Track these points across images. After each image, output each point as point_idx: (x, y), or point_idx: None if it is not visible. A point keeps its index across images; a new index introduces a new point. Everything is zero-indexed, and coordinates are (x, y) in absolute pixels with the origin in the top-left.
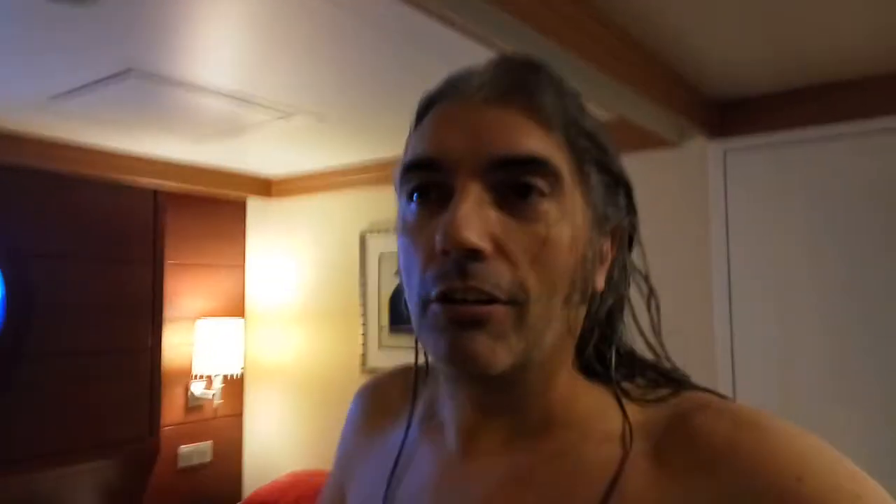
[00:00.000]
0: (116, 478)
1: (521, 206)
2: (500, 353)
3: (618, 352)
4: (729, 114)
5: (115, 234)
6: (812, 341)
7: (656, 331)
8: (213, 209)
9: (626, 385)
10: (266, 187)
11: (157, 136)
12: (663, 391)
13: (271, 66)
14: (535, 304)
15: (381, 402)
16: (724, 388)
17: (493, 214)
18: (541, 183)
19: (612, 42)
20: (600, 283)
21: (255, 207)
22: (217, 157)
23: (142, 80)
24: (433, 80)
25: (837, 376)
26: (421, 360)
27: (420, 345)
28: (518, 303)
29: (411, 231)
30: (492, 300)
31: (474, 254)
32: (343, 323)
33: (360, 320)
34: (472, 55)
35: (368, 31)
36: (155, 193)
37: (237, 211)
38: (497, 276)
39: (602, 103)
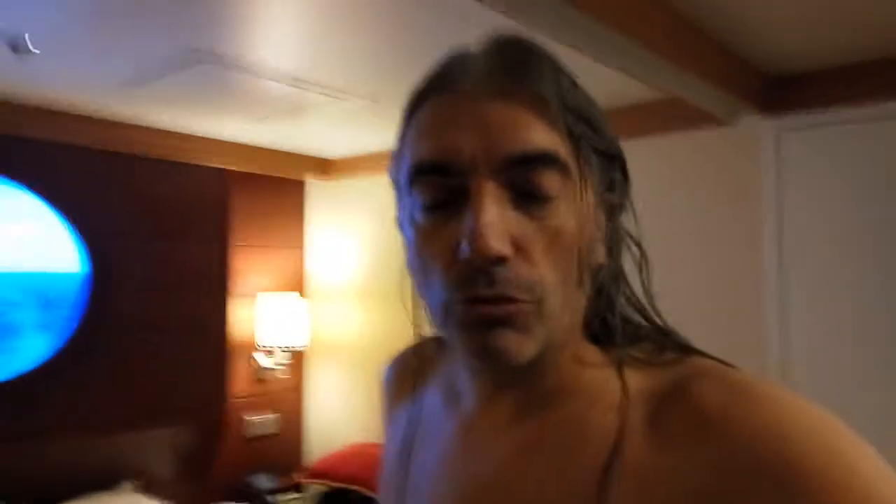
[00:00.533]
0: (188, 444)
1: (535, 203)
2: (527, 345)
3: (622, 317)
4: (783, 90)
5: (185, 212)
6: (871, 326)
7: (647, 293)
8: (274, 189)
9: (632, 350)
10: (324, 168)
11: (223, 117)
12: (669, 355)
13: (329, 49)
14: (553, 294)
15: (405, 373)
16: (775, 374)
17: (510, 215)
18: (553, 180)
19: (659, 16)
20: (601, 256)
21: (314, 187)
22: (278, 138)
23: (209, 65)
24: None
25: (893, 359)
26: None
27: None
28: (538, 298)
29: (425, 233)
30: (514, 299)
31: (498, 260)
32: (398, 301)
33: (414, 299)
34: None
35: (422, 12)
36: (222, 172)
37: (297, 191)
38: (518, 276)
39: (649, 81)
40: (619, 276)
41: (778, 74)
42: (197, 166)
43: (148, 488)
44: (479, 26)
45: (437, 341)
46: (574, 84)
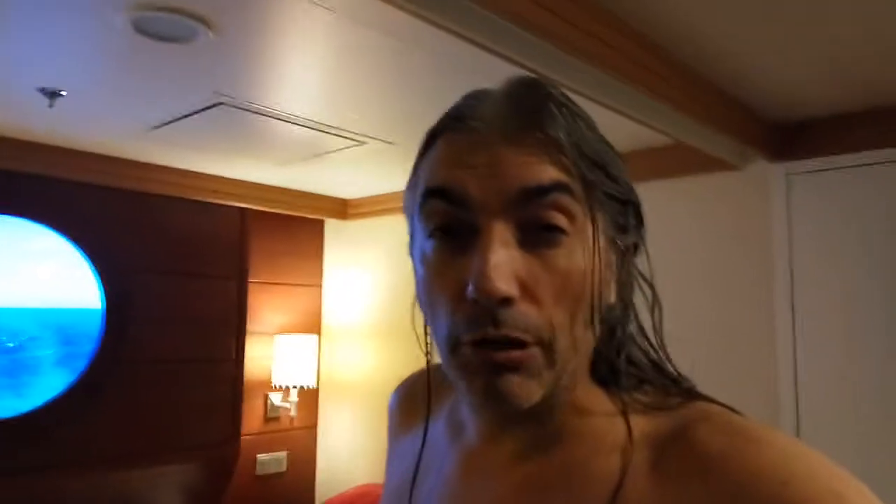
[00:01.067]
0: (199, 480)
1: (543, 244)
2: (533, 390)
3: (628, 359)
4: (791, 136)
5: (204, 250)
6: (881, 372)
7: (658, 335)
8: (293, 229)
9: (636, 394)
10: (342, 209)
11: (244, 160)
12: (673, 401)
13: (348, 97)
14: (561, 337)
15: (411, 400)
16: (788, 419)
17: (518, 255)
18: (561, 219)
19: (666, 69)
20: (612, 298)
21: (332, 228)
22: (297, 180)
23: (231, 110)
24: None
25: None
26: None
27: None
28: (546, 342)
29: (433, 268)
30: (521, 343)
31: (504, 301)
32: (411, 340)
33: (429, 339)
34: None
35: (432, 62)
36: (241, 212)
37: (315, 231)
38: (526, 318)
39: (660, 129)
40: (627, 317)
41: (784, 121)
42: (216, 205)
43: None
44: (492, 73)
45: (430, 378)
46: (591, 129)
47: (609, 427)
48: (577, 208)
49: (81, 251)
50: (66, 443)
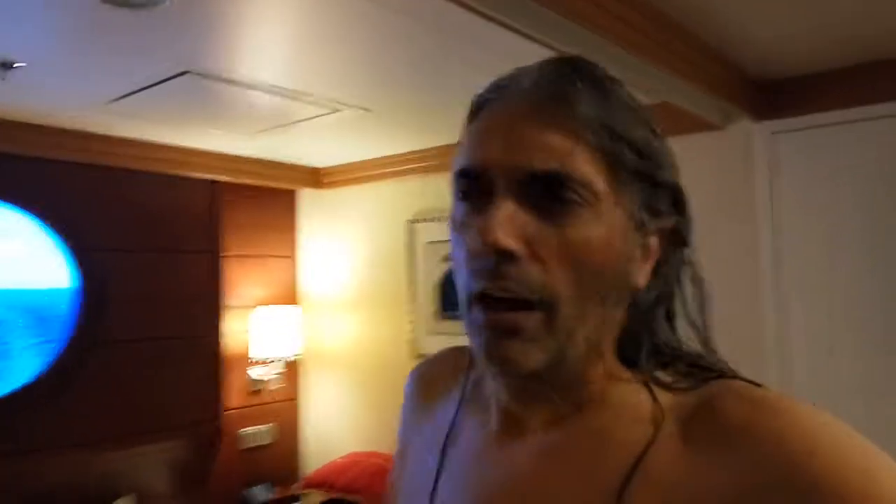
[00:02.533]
0: (184, 457)
1: (556, 211)
2: (532, 355)
3: (657, 343)
4: (775, 95)
5: (176, 225)
6: (863, 327)
7: (701, 325)
8: (265, 201)
9: (658, 373)
10: (316, 178)
11: (213, 131)
12: (695, 380)
13: (320, 63)
14: (566, 304)
15: (432, 381)
16: (773, 377)
17: (526, 218)
18: (571, 194)
19: (649, 25)
20: (641, 280)
21: (306, 198)
22: (269, 150)
23: (198, 79)
24: (474, 70)
25: (889, 364)
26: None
27: None
28: (548, 304)
29: (458, 228)
30: (524, 301)
31: (507, 255)
32: (393, 309)
33: (409, 307)
34: (511, 48)
35: (411, 26)
36: (212, 184)
37: (288, 202)
38: (528, 277)
39: (642, 88)
40: (660, 303)
41: (769, 79)
42: (187, 178)
43: (147, 503)
44: (470, 40)
45: (461, 351)
46: (628, 109)
47: (632, 399)
48: (598, 181)
49: (50, 230)
50: (45, 427)
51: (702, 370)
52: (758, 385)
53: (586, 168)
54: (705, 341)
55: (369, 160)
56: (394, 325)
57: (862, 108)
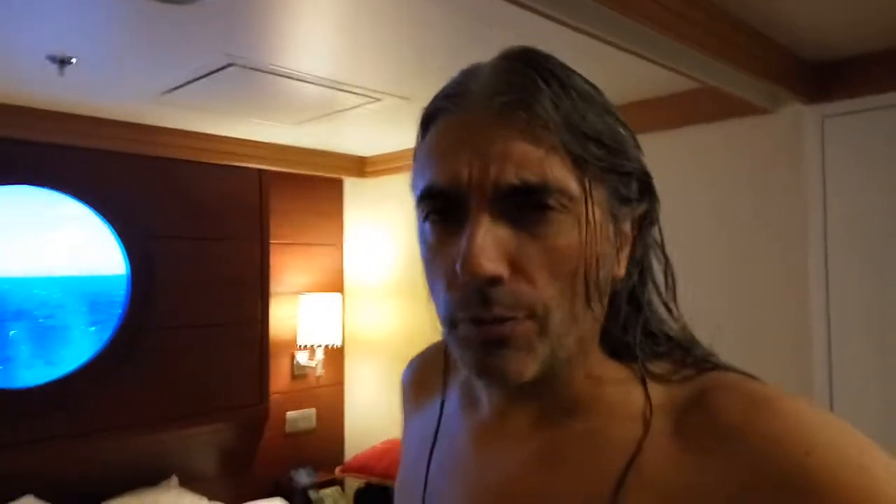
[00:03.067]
0: (230, 440)
1: (533, 222)
2: (527, 364)
3: (645, 331)
4: (826, 77)
5: (225, 213)
6: None
7: (670, 300)
8: (312, 189)
9: (651, 365)
10: (360, 167)
11: (259, 121)
12: (688, 372)
13: (361, 52)
14: (556, 313)
15: (425, 375)
16: (819, 367)
17: (505, 235)
18: (551, 201)
19: (693, 6)
20: (621, 269)
21: (351, 186)
22: (314, 139)
23: (242, 71)
24: None
25: None
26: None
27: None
28: (538, 316)
29: (431, 250)
30: (518, 315)
31: (493, 281)
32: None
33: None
34: (548, 33)
35: (447, 15)
36: (260, 173)
37: (335, 190)
38: (517, 296)
39: (689, 73)
40: (641, 289)
41: (820, 60)
42: (235, 167)
43: (191, 484)
44: (508, 26)
45: (447, 354)
46: (586, 99)
47: (624, 397)
48: (570, 185)
49: (104, 218)
50: (97, 408)
51: (693, 360)
52: (753, 377)
53: (560, 173)
54: (677, 321)
55: (411, 149)
56: (433, 314)
57: None
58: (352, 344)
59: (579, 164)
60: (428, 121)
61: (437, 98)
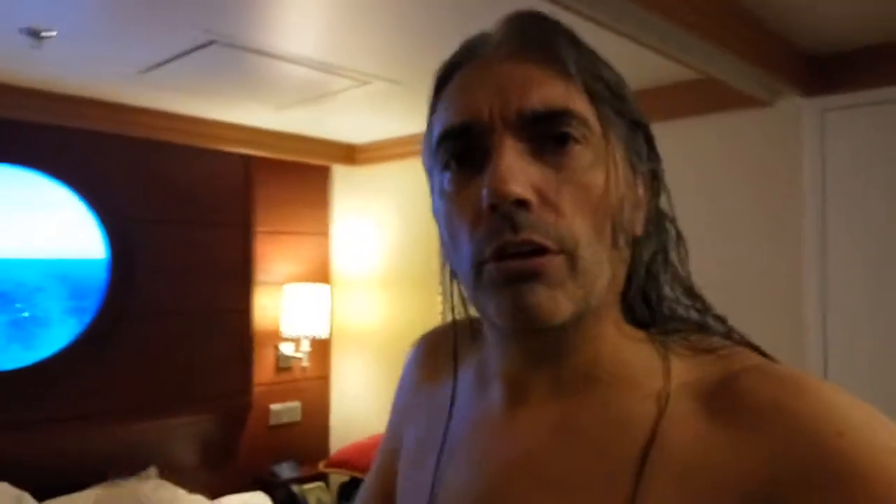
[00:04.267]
0: (212, 431)
1: (557, 154)
2: (561, 302)
3: (660, 297)
4: (825, 70)
5: (208, 199)
6: None
7: (683, 274)
8: (299, 176)
9: (671, 338)
10: (350, 154)
11: (244, 103)
12: (713, 343)
13: (350, 33)
14: (586, 248)
15: (436, 354)
16: (814, 363)
17: (532, 167)
18: (573, 131)
19: None
20: (639, 227)
21: (340, 174)
22: (301, 124)
23: (225, 49)
24: None
25: None
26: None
27: (469, 306)
28: (569, 250)
29: (451, 198)
30: (544, 250)
31: (522, 204)
32: (424, 290)
33: (440, 288)
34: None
35: None
36: (245, 159)
37: (322, 178)
38: (546, 225)
39: (686, 61)
40: (659, 251)
41: (820, 53)
42: (221, 152)
43: (171, 475)
44: (505, 9)
45: (471, 324)
46: (593, 53)
47: (645, 371)
48: (590, 120)
49: (83, 200)
50: (75, 395)
51: (716, 333)
52: (771, 358)
53: (581, 106)
54: (690, 291)
55: (403, 137)
56: (424, 306)
57: None
58: (339, 336)
59: (596, 101)
60: (441, 82)
61: (449, 58)
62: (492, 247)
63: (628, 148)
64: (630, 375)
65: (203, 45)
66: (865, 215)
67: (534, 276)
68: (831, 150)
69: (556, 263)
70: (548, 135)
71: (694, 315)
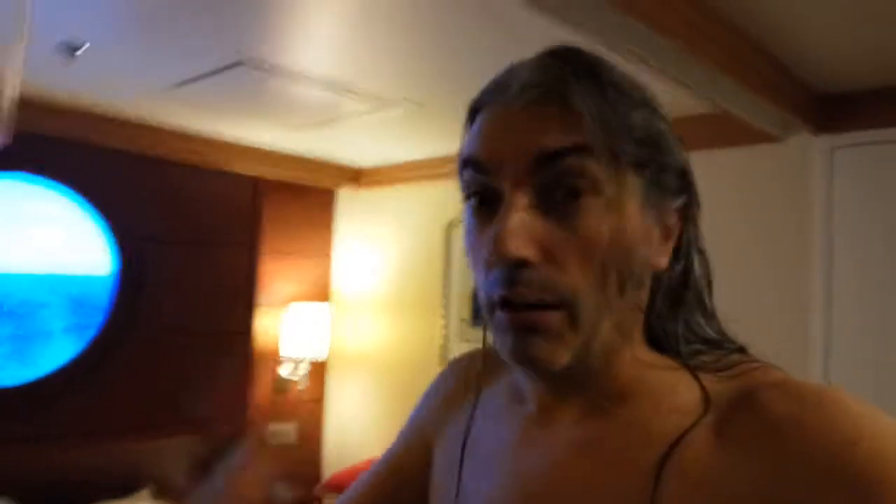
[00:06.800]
0: (208, 451)
1: (565, 206)
2: (558, 353)
3: (686, 326)
4: (837, 108)
5: (216, 219)
6: None
7: (708, 300)
8: (304, 198)
9: (692, 360)
10: (355, 178)
11: (259, 123)
12: (730, 367)
13: (373, 55)
14: (586, 300)
15: (465, 378)
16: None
17: (539, 222)
18: (580, 183)
19: (715, 31)
20: (663, 261)
21: (344, 197)
22: (311, 146)
23: (252, 70)
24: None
25: None
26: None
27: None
28: (568, 303)
29: (472, 234)
30: (545, 305)
31: (521, 262)
32: (425, 314)
33: (442, 312)
34: (565, 38)
35: (467, 19)
36: (255, 181)
37: (327, 200)
38: (545, 281)
39: (702, 95)
40: (683, 283)
41: (831, 92)
42: (230, 173)
43: (167, 496)
44: (524, 33)
45: (486, 353)
46: (623, 94)
47: (669, 390)
48: (600, 171)
49: (95, 216)
50: (73, 412)
51: (735, 357)
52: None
53: (593, 156)
54: (711, 316)
55: (409, 162)
56: (424, 331)
57: None
58: (335, 359)
59: (611, 154)
60: (474, 112)
61: (482, 92)
62: (498, 294)
63: (652, 189)
64: (653, 392)
65: (231, 66)
66: (872, 251)
67: (533, 330)
68: (839, 187)
69: (555, 318)
70: (556, 186)
71: (715, 341)
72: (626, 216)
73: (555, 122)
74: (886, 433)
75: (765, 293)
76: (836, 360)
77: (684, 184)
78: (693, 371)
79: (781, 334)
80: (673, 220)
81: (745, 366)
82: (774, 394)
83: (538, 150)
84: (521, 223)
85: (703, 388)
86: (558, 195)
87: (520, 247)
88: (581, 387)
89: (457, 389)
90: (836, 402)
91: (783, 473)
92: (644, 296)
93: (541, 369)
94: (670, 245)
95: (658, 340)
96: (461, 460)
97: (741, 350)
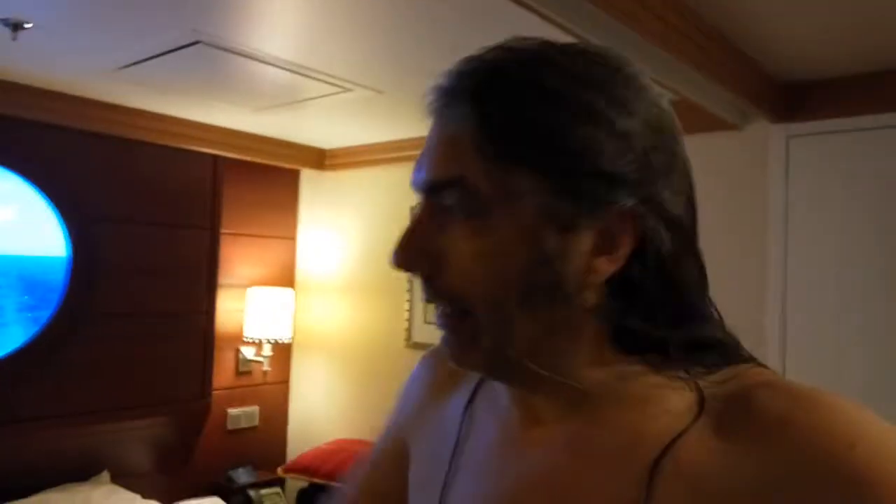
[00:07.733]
0: (168, 435)
1: (453, 221)
2: (469, 354)
3: (678, 329)
4: (795, 97)
5: (175, 199)
6: (871, 335)
7: (696, 304)
8: (267, 179)
9: (689, 363)
10: (319, 159)
11: (219, 104)
12: (722, 368)
13: (333, 39)
14: (483, 309)
15: (442, 372)
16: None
17: (436, 237)
18: (459, 207)
19: (674, 19)
20: (607, 267)
21: (308, 179)
22: (274, 128)
23: (209, 50)
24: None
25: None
26: None
27: None
28: (466, 312)
29: None
30: (452, 311)
31: (420, 274)
32: (390, 297)
33: (407, 295)
34: (531, 26)
35: (431, 3)
36: (214, 160)
37: (290, 182)
38: (440, 289)
39: (662, 82)
40: (662, 286)
41: (790, 81)
42: (190, 152)
43: (124, 480)
44: (491, 17)
45: None
46: (548, 99)
47: (658, 393)
48: (489, 188)
49: (45, 196)
50: (27, 397)
51: (726, 357)
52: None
53: (477, 172)
54: (702, 318)
55: (375, 144)
56: (389, 313)
57: (882, 116)
58: (300, 340)
59: (506, 165)
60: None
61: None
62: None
63: (562, 196)
64: (643, 399)
65: (188, 45)
66: (826, 237)
67: (450, 333)
68: (795, 175)
69: (465, 325)
70: (444, 208)
71: (708, 337)
72: (515, 234)
73: (441, 147)
74: (884, 437)
75: (722, 281)
76: (792, 347)
77: (630, 188)
78: (685, 373)
79: (738, 321)
80: (618, 224)
81: (738, 367)
82: (770, 394)
83: (425, 183)
84: (416, 235)
85: (697, 389)
86: (452, 211)
87: (407, 259)
88: (541, 388)
89: (435, 390)
90: (833, 405)
91: (780, 474)
92: (586, 302)
93: (461, 366)
94: (622, 250)
95: (644, 344)
96: (450, 463)
97: (737, 350)
